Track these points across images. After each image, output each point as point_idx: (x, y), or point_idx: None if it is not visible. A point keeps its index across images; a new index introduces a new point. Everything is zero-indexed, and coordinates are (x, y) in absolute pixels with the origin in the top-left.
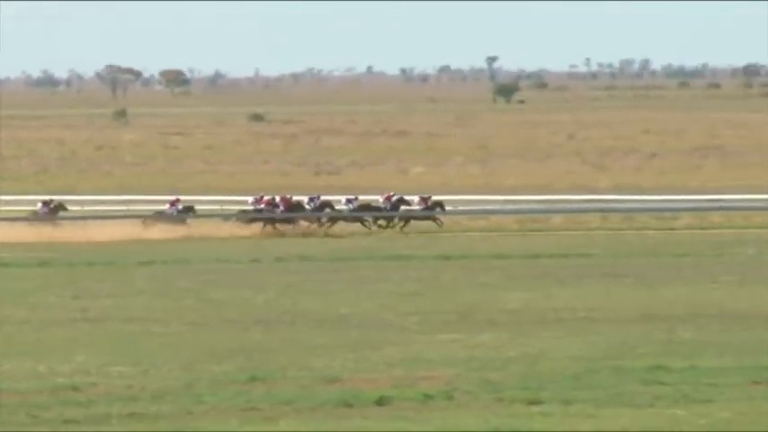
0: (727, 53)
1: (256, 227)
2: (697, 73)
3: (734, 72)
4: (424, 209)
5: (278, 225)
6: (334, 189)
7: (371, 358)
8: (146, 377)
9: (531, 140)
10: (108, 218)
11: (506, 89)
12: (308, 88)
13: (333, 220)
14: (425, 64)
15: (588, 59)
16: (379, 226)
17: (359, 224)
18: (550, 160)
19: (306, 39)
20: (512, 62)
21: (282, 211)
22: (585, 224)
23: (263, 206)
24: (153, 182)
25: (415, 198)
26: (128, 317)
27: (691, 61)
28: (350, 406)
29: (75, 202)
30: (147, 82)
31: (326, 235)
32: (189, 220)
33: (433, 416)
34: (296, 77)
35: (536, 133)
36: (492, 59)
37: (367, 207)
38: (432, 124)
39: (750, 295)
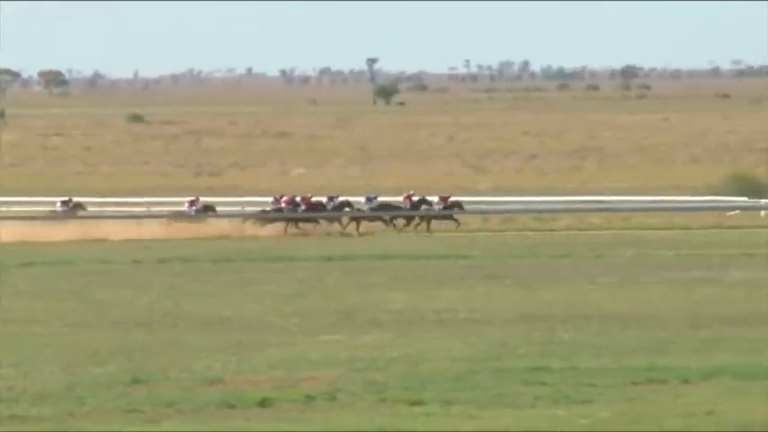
0: (605, 55)
1: (276, 227)
2: (576, 75)
3: (612, 74)
4: (443, 208)
5: (300, 225)
6: (215, 190)
7: (254, 360)
8: (27, 379)
9: (412, 142)
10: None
11: (386, 91)
12: (188, 89)
13: (354, 219)
14: (306, 65)
15: (468, 61)
16: (394, 225)
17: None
18: (430, 162)
19: (186, 40)
20: (392, 64)
21: (304, 211)
22: (466, 225)
23: (283, 205)
24: (32, 183)
25: (435, 198)
26: (8, 319)
27: (570, 63)
28: (232, 407)
29: None
30: (26, 83)
31: (343, 234)
32: (209, 220)
33: (316, 416)
34: (176, 79)
35: (416, 135)
36: (372, 61)
37: (387, 206)
38: (312, 126)
39: (628, 296)
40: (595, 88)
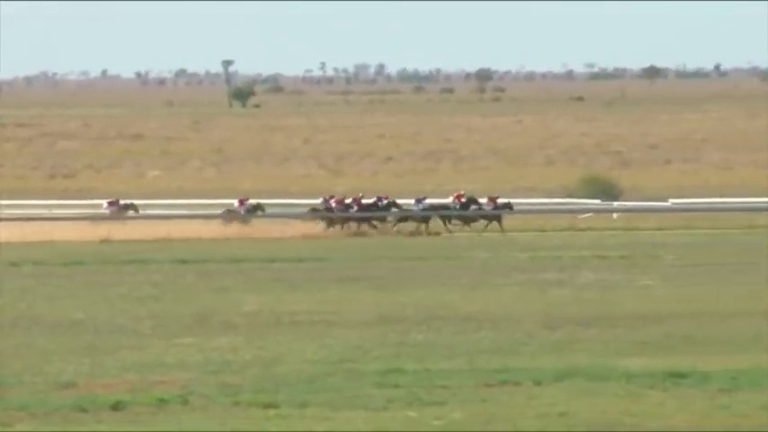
0: (460, 58)
1: (321, 226)
2: (431, 77)
3: (467, 77)
4: (492, 209)
5: (352, 225)
6: (70, 192)
7: (106, 363)
8: None
9: (268, 144)
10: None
11: (242, 93)
12: (42, 92)
13: (402, 219)
14: (161, 67)
15: (323, 64)
16: (451, 225)
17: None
18: (287, 164)
19: (40, 42)
20: (248, 66)
21: (356, 211)
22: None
23: (334, 205)
24: None
25: (484, 199)
26: None
27: (425, 66)
28: (85, 411)
29: None
30: None
31: (398, 233)
32: (256, 219)
33: (169, 420)
34: (29, 81)
35: (272, 137)
36: (228, 63)
37: (437, 207)
38: (168, 128)
39: (482, 298)
40: (450, 91)
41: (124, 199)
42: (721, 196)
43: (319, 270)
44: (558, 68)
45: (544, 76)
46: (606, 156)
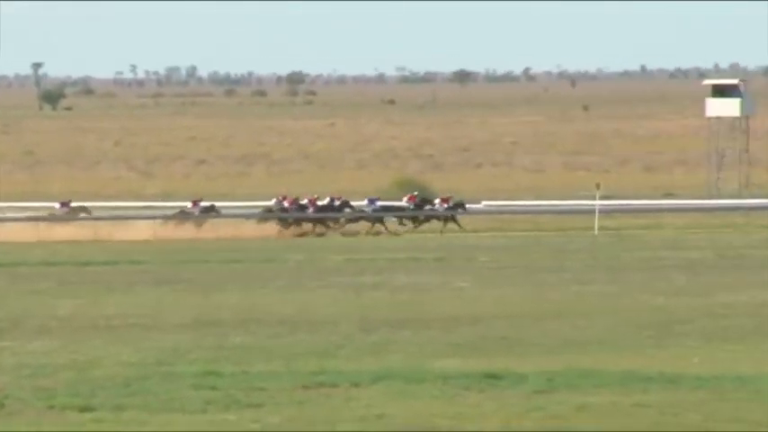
0: (272, 61)
1: (275, 227)
2: (243, 80)
3: (279, 80)
4: (446, 209)
5: (299, 225)
6: None
7: None
8: None
9: (79, 147)
10: None
11: (52, 96)
12: None
13: (354, 220)
14: None
15: (134, 66)
16: (402, 225)
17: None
18: (98, 167)
19: None
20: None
21: (313, 212)
22: (138, 232)
23: (287, 206)
24: None
25: (437, 199)
26: None
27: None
28: None
29: None
30: None
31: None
32: (211, 221)
33: None
34: None
35: (83, 140)
36: (37, 65)
37: (390, 207)
38: None
39: (299, 300)
40: (262, 94)
41: None
42: (536, 199)
43: (134, 273)
44: (369, 72)
45: (356, 79)
46: (418, 159)
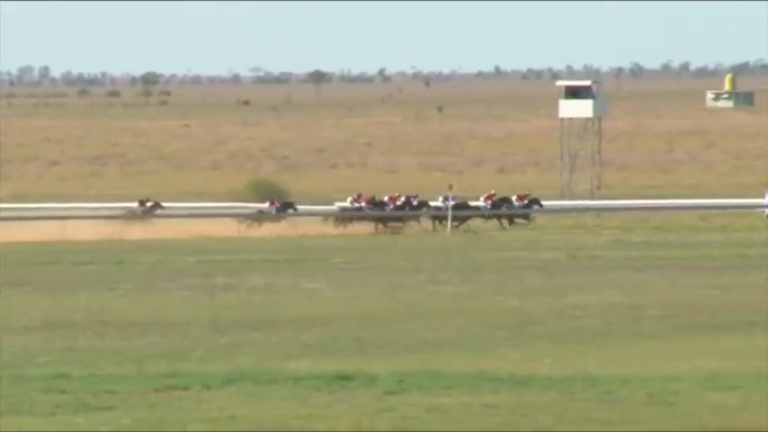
0: (125, 61)
1: (357, 226)
2: (96, 81)
3: (133, 80)
4: (521, 207)
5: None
6: None
7: None
8: None
9: None
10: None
11: None
12: None
13: (435, 218)
14: None
15: None
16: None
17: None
18: None
19: None
20: None
21: (391, 210)
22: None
23: (363, 204)
24: None
25: (514, 197)
26: None
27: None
28: None
29: None
30: None
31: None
32: (288, 218)
33: None
34: None
35: None
36: None
37: (465, 206)
38: None
39: (149, 302)
40: (116, 95)
41: None
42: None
43: None
44: (224, 72)
45: (211, 80)
46: (273, 160)
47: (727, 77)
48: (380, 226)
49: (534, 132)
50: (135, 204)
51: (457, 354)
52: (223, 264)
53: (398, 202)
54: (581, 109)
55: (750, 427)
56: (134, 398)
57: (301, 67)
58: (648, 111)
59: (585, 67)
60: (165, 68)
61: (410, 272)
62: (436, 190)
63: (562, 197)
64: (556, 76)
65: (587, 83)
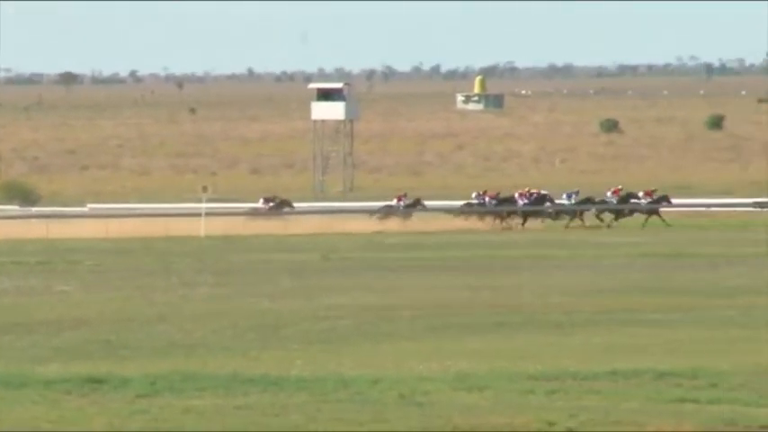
0: None
1: (482, 221)
2: None
3: None
4: (649, 203)
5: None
6: None
7: None
8: None
9: None
10: None
11: None
12: None
13: (558, 214)
14: None
15: None
16: (601, 220)
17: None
18: None
19: None
20: None
21: (524, 205)
22: None
23: (487, 200)
24: None
25: (641, 192)
26: None
27: None
28: None
29: None
30: None
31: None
32: (416, 215)
33: None
34: None
35: None
36: None
37: (590, 201)
38: None
39: None
40: None
41: None
42: (143, 201)
43: None
44: None
45: None
46: (23, 161)
47: (477, 80)
48: (498, 221)
49: (288, 134)
50: None
51: (210, 356)
52: None
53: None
54: (333, 111)
55: (498, 426)
56: None
57: (52, 68)
58: (400, 113)
59: (337, 69)
60: None
61: (162, 274)
62: (190, 191)
63: (315, 199)
64: (308, 78)
65: (339, 85)
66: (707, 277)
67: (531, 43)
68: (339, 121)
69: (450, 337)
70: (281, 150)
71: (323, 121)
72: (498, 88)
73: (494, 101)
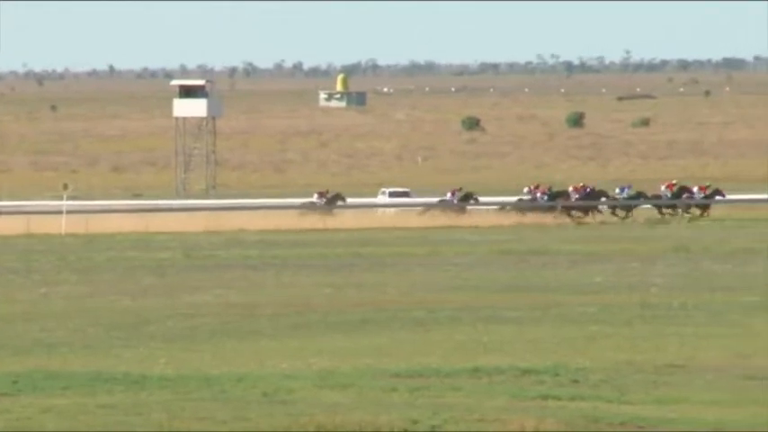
0: None
1: (534, 215)
2: None
3: None
4: (703, 197)
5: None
6: None
7: None
8: None
9: None
10: None
11: None
12: None
13: (615, 208)
14: None
15: None
16: (663, 214)
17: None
18: None
19: None
20: None
21: (577, 199)
22: None
23: (539, 195)
24: None
25: (695, 187)
26: None
27: None
28: None
29: None
30: None
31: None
32: (469, 209)
33: None
34: None
35: None
36: None
37: (642, 195)
38: None
39: None
40: None
41: None
42: (3, 199)
43: None
44: None
45: None
46: None
47: (339, 78)
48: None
49: (149, 131)
50: None
51: (73, 354)
52: None
53: (585, 192)
54: (195, 108)
55: (362, 425)
56: None
57: None
58: (263, 110)
59: (200, 66)
60: None
61: (23, 273)
62: (50, 189)
63: (177, 196)
64: (170, 75)
65: (201, 82)
66: (568, 274)
67: (393, 41)
68: (201, 119)
69: (314, 335)
70: (143, 148)
71: (185, 118)
72: (360, 86)
73: (356, 98)
